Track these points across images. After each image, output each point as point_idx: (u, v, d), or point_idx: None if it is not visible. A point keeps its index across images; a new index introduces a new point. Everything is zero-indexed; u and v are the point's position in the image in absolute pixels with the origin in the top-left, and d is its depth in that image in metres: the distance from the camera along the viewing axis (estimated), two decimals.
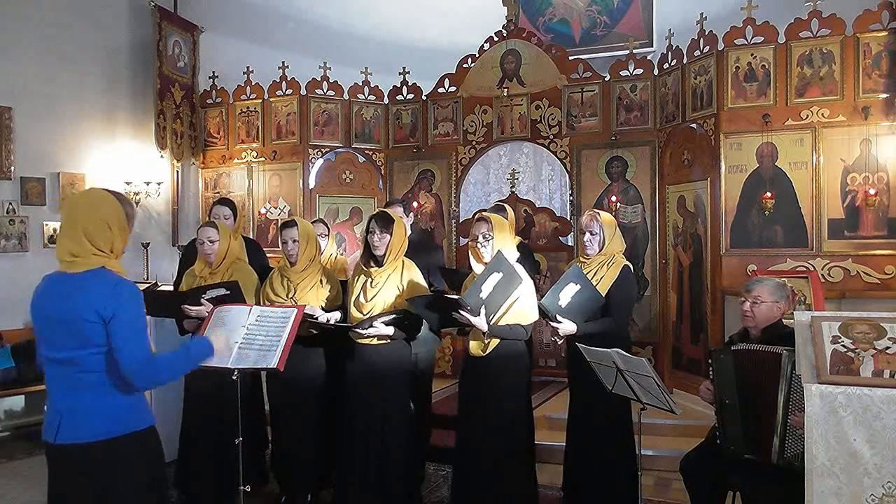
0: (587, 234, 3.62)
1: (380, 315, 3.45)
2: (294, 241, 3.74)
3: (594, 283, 3.50)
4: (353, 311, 3.56)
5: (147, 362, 2.23)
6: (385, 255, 3.51)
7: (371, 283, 3.53)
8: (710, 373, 3.07)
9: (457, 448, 3.54)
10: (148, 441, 2.29)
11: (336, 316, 3.67)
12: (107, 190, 2.35)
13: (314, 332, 3.61)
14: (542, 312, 3.43)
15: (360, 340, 3.54)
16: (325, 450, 3.89)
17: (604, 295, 3.52)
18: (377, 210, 3.73)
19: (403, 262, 3.60)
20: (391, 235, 3.50)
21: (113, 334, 2.16)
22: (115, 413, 2.22)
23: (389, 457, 3.52)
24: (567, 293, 3.42)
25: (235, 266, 3.89)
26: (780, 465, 2.81)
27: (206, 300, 3.50)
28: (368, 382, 3.52)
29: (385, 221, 3.52)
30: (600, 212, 3.73)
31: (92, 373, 2.19)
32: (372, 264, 3.55)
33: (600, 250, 3.61)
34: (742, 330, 3.21)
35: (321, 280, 3.80)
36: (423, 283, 3.62)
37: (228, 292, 3.54)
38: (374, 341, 3.52)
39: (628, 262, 3.65)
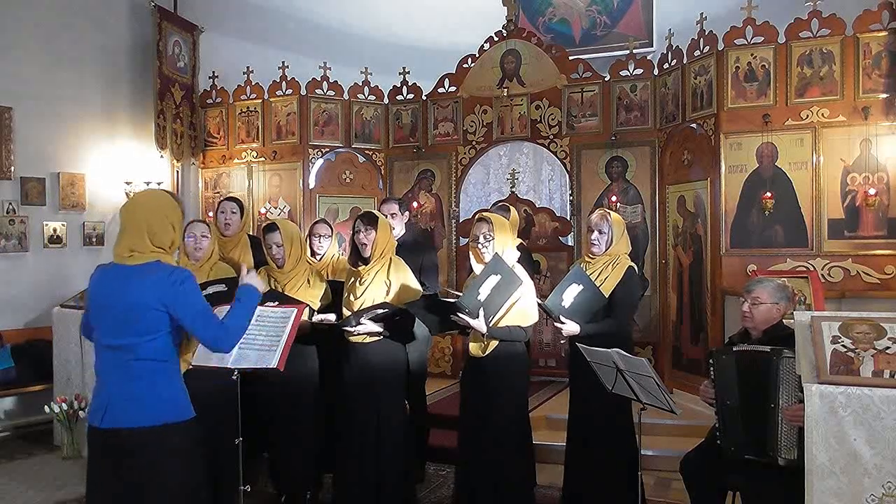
0: (595, 233, 3.58)
1: (366, 310, 3.45)
2: (278, 245, 3.72)
3: (598, 284, 3.49)
4: (345, 311, 3.59)
5: (223, 332, 2.43)
6: (372, 252, 3.52)
7: (359, 281, 3.55)
8: (711, 373, 3.07)
9: (459, 448, 3.55)
10: (190, 431, 2.38)
11: (330, 317, 3.67)
12: (165, 191, 2.53)
13: (317, 320, 3.62)
14: (546, 312, 3.43)
15: (352, 339, 3.54)
16: (323, 449, 3.88)
17: (607, 295, 3.50)
18: (362, 211, 3.73)
19: (391, 259, 3.60)
20: (377, 232, 3.51)
21: (184, 319, 2.32)
22: (163, 401, 2.32)
23: (387, 456, 3.52)
24: (570, 293, 3.41)
25: (218, 267, 3.82)
26: (780, 465, 2.81)
27: (205, 296, 3.49)
28: (364, 381, 3.53)
29: (370, 220, 3.54)
30: (611, 212, 3.69)
31: (146, 360, 2.30)
32: (360, 263, 3.56)
33: (606, 250, 3.59)
34: (742, 330, 3.21)
35: (308, 280, 3.79)
36: (413, 279, 3.63)
37: (227, 288, 3.53)
38: (367, 339, 3.52)
39: (633, 264, 3.64)
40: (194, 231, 3.77)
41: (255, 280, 2.72)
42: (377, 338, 3.52)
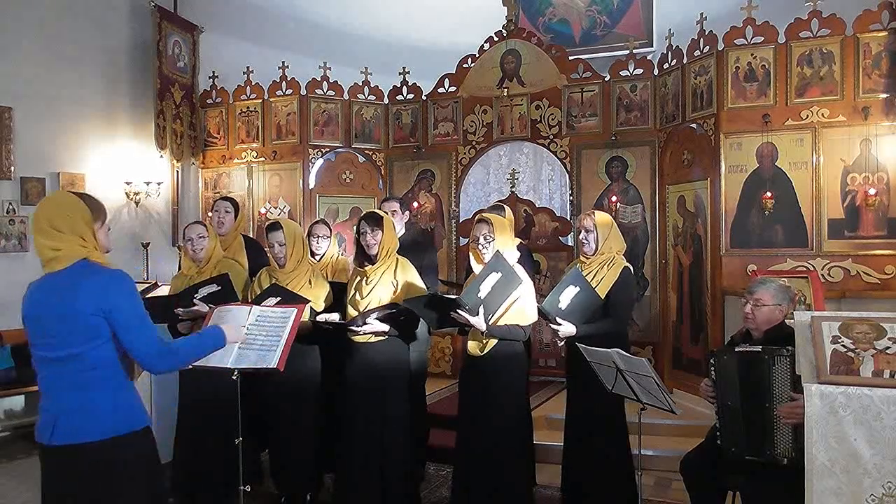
0: (583, 233, 3.67)
1: (373, 310, 3.45)
2: (280, 244, 3.73)
3: (595, 284, 3.52)
4: (350, 310, 3.58)
5: (159, 346, 2.27)
6: (378, 252, 3.53)
7: (366, 280, 3.55)
8: (712, 373, 3.07)
9: (457, 447, 3.54)
10: (145, 441, 2.29)
11: (334, 316, 3.68)
12: (70, 192, 2.38)
13: (318, 322, 3.62)
14: (543, 314, 3.44)
15: (356, 338, 3.54)
16: (323, 449, 3.89)
17: (604, 295, 3.53)
18: (365, 212, 3.74)
19: (398, 259, 3.61)
20: (382, 232, 3.52)
21: (119, 327, 2.19)
22: (114, 413, 2.21)
23: (389, 456, 3.52)
24: (567, 295, 3.43)
25: (223, 264, 3.88)
26: (781, 465, 2.81)
27: (199, 300, 3.49)
28: (367, 381, 3.53)
29: (375, 220, 3.55)
30: (596, 211, 3.79)
31: (93, 369, 2.19)
32: (366, 263, 3.57)
33: (597, 248, 3.63)
34: (744, 330, 3.21)
35: (310, 280, 3.79)
36: (419, 279, 3.64)
37: (220, 287, 3.53)
38: (372, 339, 3.52)
39: (628, 264, 3.66)
40: (191, 234, 3.82)
41: (230, 332, 2.67)
42: (382, 337, 3.52)
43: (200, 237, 3.81)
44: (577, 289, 3.43)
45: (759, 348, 2.89)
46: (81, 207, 2.24)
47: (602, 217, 3.70)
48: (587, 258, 3.66)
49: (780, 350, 2.80)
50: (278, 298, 3.50)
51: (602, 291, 3.53)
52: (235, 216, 4.39)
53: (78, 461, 2.16)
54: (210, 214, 6.98)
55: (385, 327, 3.48)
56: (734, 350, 3.05)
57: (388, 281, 3.54)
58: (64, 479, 2.19)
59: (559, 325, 3.44)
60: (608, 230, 3.65)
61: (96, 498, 2.17)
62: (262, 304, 3.43)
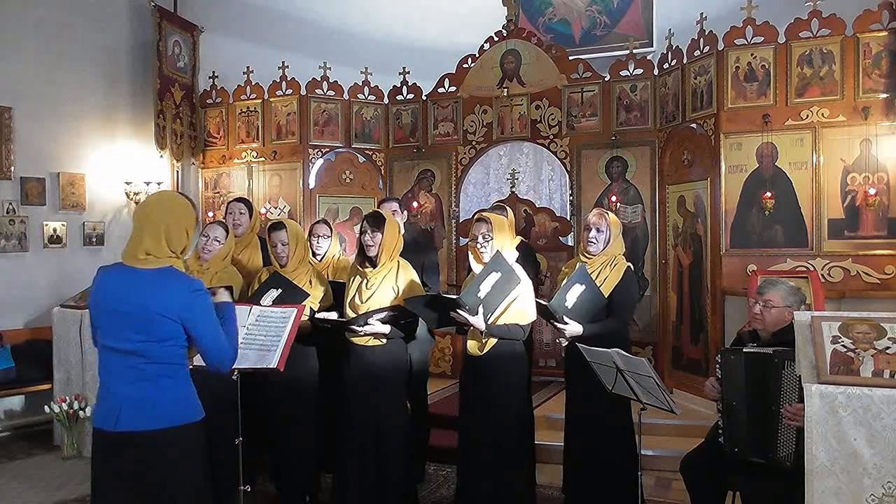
0: (593, 231, 3.60)
1: (375, 311, 3.44)
2: (284, 243, 3.73)
3: (598, 284, 3.51)
4: (349, 312, 3.56)
5: (231, 350, 2.42)
6: (378, 254, 3.51)
7: (366, 283, 3.52)
8: (718, 372, 3.07)
9: (459, 448, 3.54)
10: (199, 432, 2.38)
11: (332, 315, 3.67)
12: (182, 194, 2.49)
13: (317, 320, 3.62)
14: (550, 313, 3.43)
15: (355, 340, 3.53)
16: (323, 449, 3.89)
17: (607, 296, 3.51)
18: (370, 210, 3.72)
19: (399, 262, 3.59)
20: (383, 234, 3.49)
21: (194, 332, 2.30)
22: (175, 403, 2.32)
23: (387, 457, 3.52)
24: (573, 294, 3.42)
25: (226, 272, 3.88)
26: (781, 465, 2.81)
27: None
28: (365, 383, 3.52)
29: (376, 221, 3.51)
30: (608, 212, 3.74)
31: (157, 364, 2.28)
32: (367, 265, 3.55)
33: (603, 249, 3.60)
34: (752, 330, 3.20)
35: (310, 280, 3.79)
36: (419, 283, 3.62)
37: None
38: (371, 341, 3.51)
39: (629, 264, 3.65)
40: (209, 233, 3.82)
41: (225, 297, 2.66)
42: (381, 341, 3.51)
43: (216, 240, 3.80)
44: (584, 287, 3.42)
45: (769, 350, 2.88)
46: (194, 222, 2.38)
47: (614, 218, 3.67)
48: (589, 257, 3.63)
49: (791, 353, 2.78)
50: (280, 290, 3.50)
51: (605, 291, 3.51)
52: (250, 217, 4.39)
53: (139, 448, 2.26)
54: (210, 214, 7.03)
55: (386, 329, 3.47)
56: (742, 350, 3.04)
57: (389, 286, 3.52)
58: (122, 464, 2.28)
59: (566, 324, 3.43)
60: (618, 232, 3.64)
61: (153, 482, 2.27)
62: (264, 295, 3.43)
